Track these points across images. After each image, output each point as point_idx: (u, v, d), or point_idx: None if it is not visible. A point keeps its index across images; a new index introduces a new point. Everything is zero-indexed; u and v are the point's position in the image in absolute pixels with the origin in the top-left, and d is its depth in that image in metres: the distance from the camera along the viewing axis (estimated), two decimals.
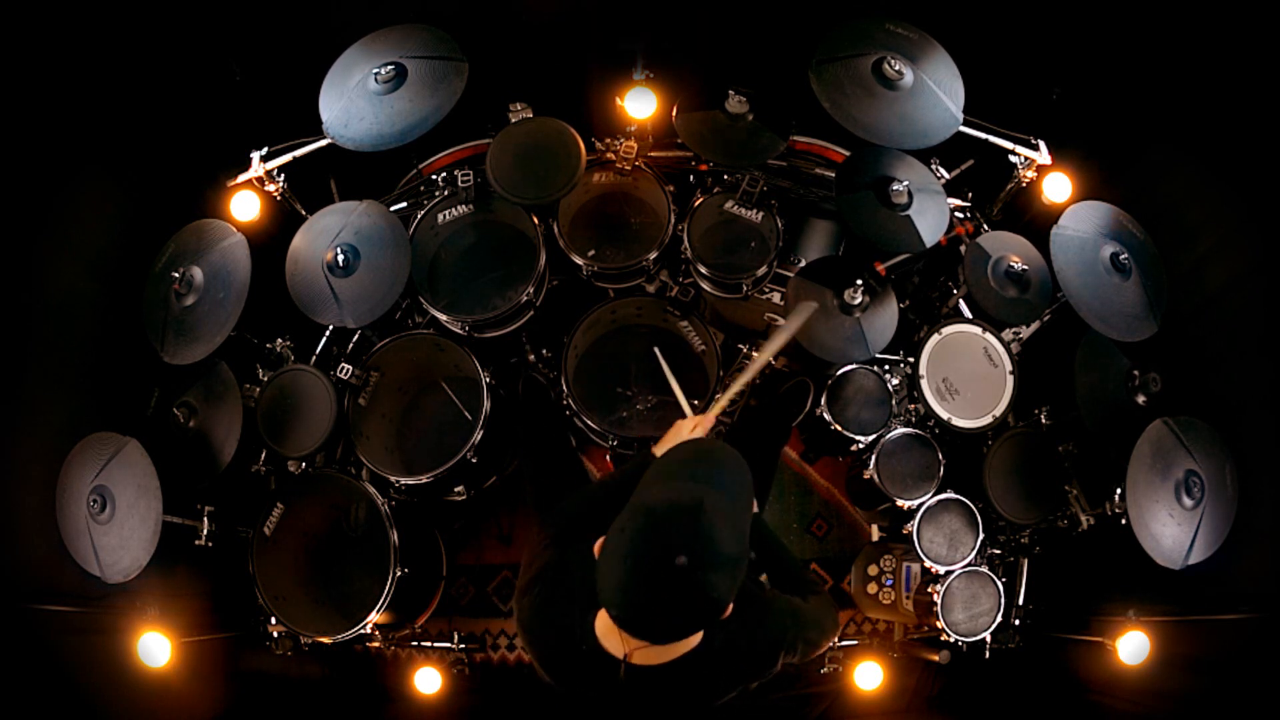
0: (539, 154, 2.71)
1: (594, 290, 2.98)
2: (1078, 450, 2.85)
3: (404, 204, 2.95)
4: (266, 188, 2.72)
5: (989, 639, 2.80)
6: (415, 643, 3.20)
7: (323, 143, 2.62)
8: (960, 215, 2.93)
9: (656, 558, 1.22)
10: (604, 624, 1.49)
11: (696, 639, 1.49)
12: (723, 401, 2.15)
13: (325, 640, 2.67)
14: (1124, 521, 2.48)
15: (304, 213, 2.85)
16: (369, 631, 2.69)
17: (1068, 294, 2.52)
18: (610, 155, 2.91)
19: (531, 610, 1.57)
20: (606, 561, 1.29)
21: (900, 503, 2.85)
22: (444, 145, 3.12)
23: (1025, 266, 2.67)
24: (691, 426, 1.96)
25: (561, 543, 1.64)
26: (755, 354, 2.16)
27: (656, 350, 2.33)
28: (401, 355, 2.89)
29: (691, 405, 2.31)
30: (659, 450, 1.93)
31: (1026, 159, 2.71)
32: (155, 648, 2.44)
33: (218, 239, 2.66)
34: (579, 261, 2.81)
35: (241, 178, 2.69)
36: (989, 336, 2.82)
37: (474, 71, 2.55)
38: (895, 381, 2.91)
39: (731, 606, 1.34)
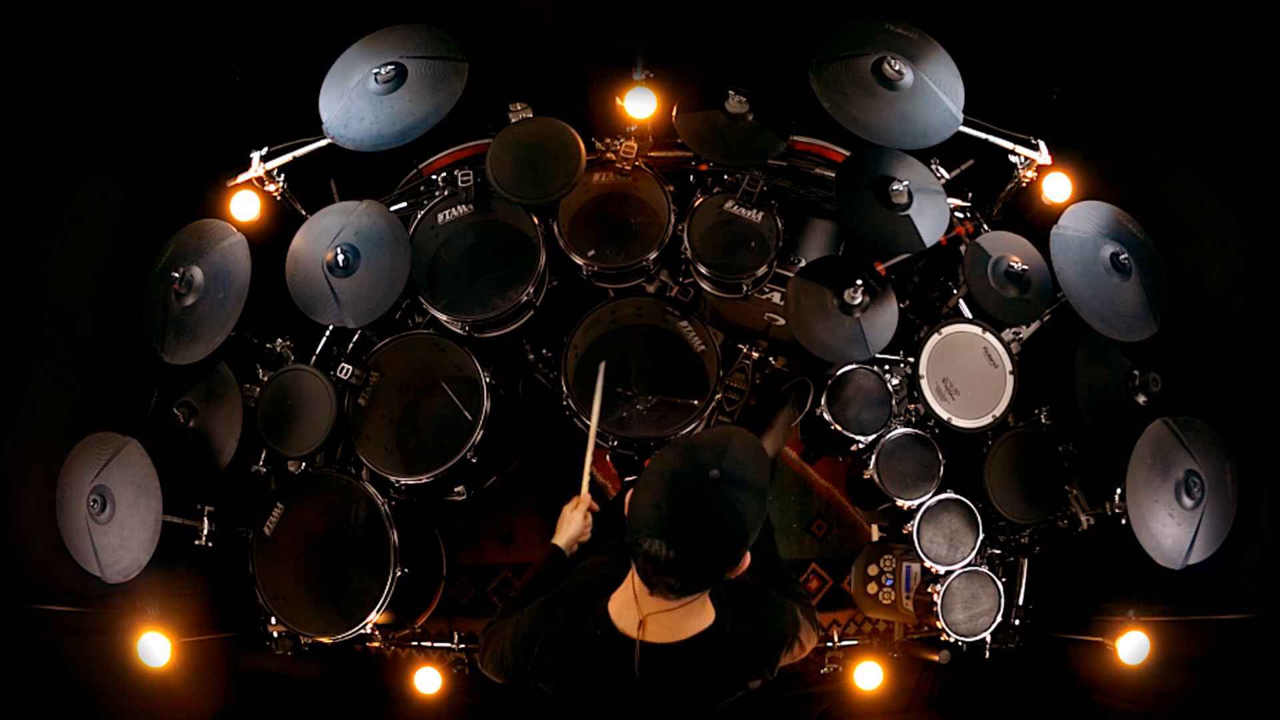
0: (539, 154, 2.71)
1: (594, 290, 2.98)
2: (1078, 450, 2.85)
3: (404, 204, 2.95)
4: (266, 188, 2.72)
5: (989, 639, 2.80)
6: (415, 643, 3.20)
7: (323, 143, 2.62)
8: (960, 215, 2.93)
9: (691, 471, 1.31)
10: (618, 603, 1.51)
11: (708, 619, 1.51)
12: (586, 477, 2.15)
13: (325, 640, 2.67)
14: (1124, 521, 2.48)
15: (304, 213, 2.85)
16: (369, 631, 2.69)
17: (1068, 294, 2.52)
18: (610, 155, 2.91)
19: (533, 619, 1.59)
20: (642, 486, 1.36)
21: (900, 503, 2.85)
22: (444, 145, 3.12)
23: (1025, 266, 2.67)
24: (572, 508, 2.04)
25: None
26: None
27: (601, 368, 2.33)
28: (401, 355, 2.89)
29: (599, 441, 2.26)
30: (559, 540, 1.98)
31: (1026, 159, 2.71)
32: (155, 648, 2.44)
33: (218, 239, 2.66)
34: (579, 261, 2.81)
35: (241, 178, 2.69)
36: (989, 336, 2.82)
37: (474, 71, 2.55)
38: (895, 381, 2.91)
39: (748, 559, 1.42)
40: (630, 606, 1.49)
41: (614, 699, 1.56)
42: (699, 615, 1.50)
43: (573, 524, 2.01)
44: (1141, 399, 2.66)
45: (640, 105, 2.74)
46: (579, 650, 1.55)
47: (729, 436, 1.37)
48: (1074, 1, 2.82)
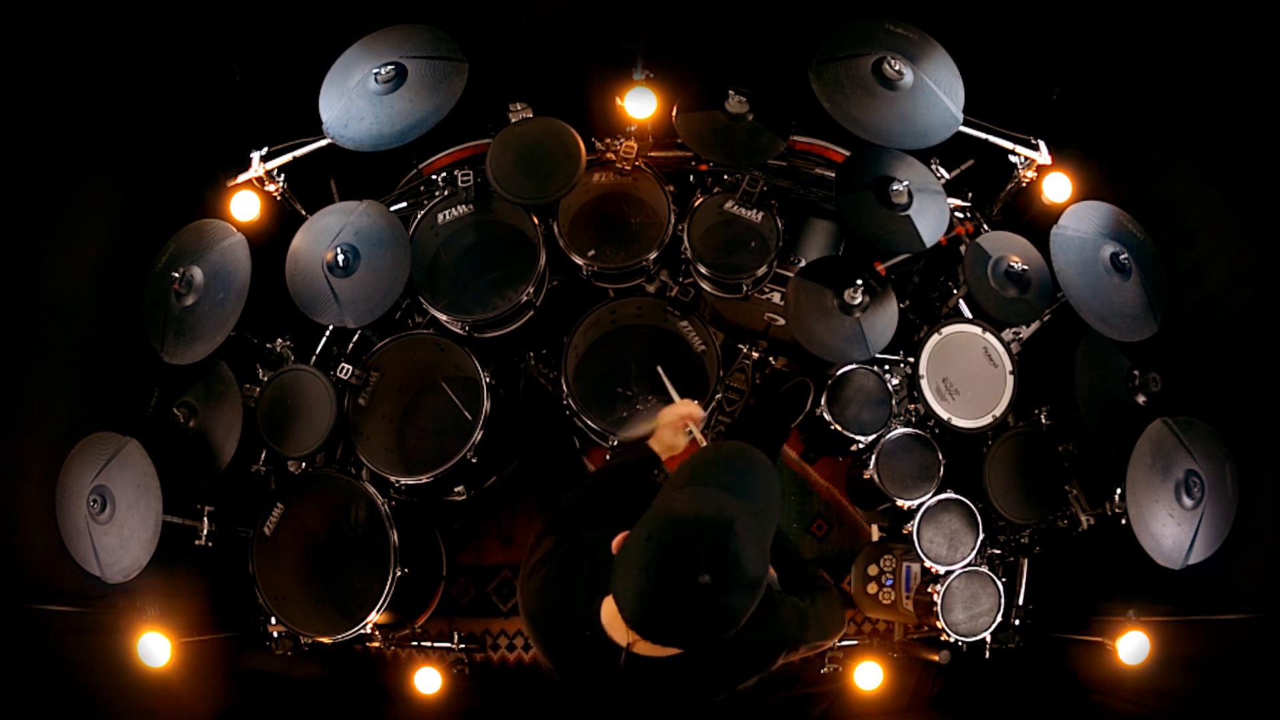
0: (539, 154, 2.71)
1: (594, 290, 2.97)
2: (1078, 450, 2.85)
3: (404, 204, 2.95)
4: (266, 188, 2.72)
5: (989, 639, 2.80)
6: (415, 643, 3.20)
7: (323, 143, 2.62)
8: (960, 215, 2.93)
9: (679, 573, 1.20)
10: (610, 612, 1.48)
11: None
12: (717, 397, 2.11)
13: (325, 640, 2.67)
14: (1124, 521, 2.48)
15: (304, 213, 2.85)
16: (369, 631, 2.69)
17: (1068, 294, 2.52)
18: (610, 155, 2.91)
19: (534, 594, 1.57)
20: (627, 566, 1.27)
21: (900, 503, 2.85)
22: (444, 145, 3.12)
23: (1025, 266, 2.67)
24: (681, 414, 1.90)
25: (561, 533, 1.63)
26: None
27: (660, 370, 2.33)
28: (401, 355, 2.89)
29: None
30: (654, 444, 1.89)
31: (1026, 159, 2.70)
32: (155, 648, 2.44)
33: (218, 239, 2.66)
34: (579, 261, 2.81)
35: (241, 178, 2.69)
36: (989, 336, 2.82)
37: (474, 71, 2.55)
38: (895, 381, 2.91)
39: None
40: (621, 623, 1.43)
41: (599, 696, 1.56)
42: None
43: (674, 427, 1.85)
44: (1141, 399, 2.66)
45: (640, 105, 2.74)
46: (567, 646, 1.54)
47: (730, 521, 1.22)
48: (1074, 1, 2.81)
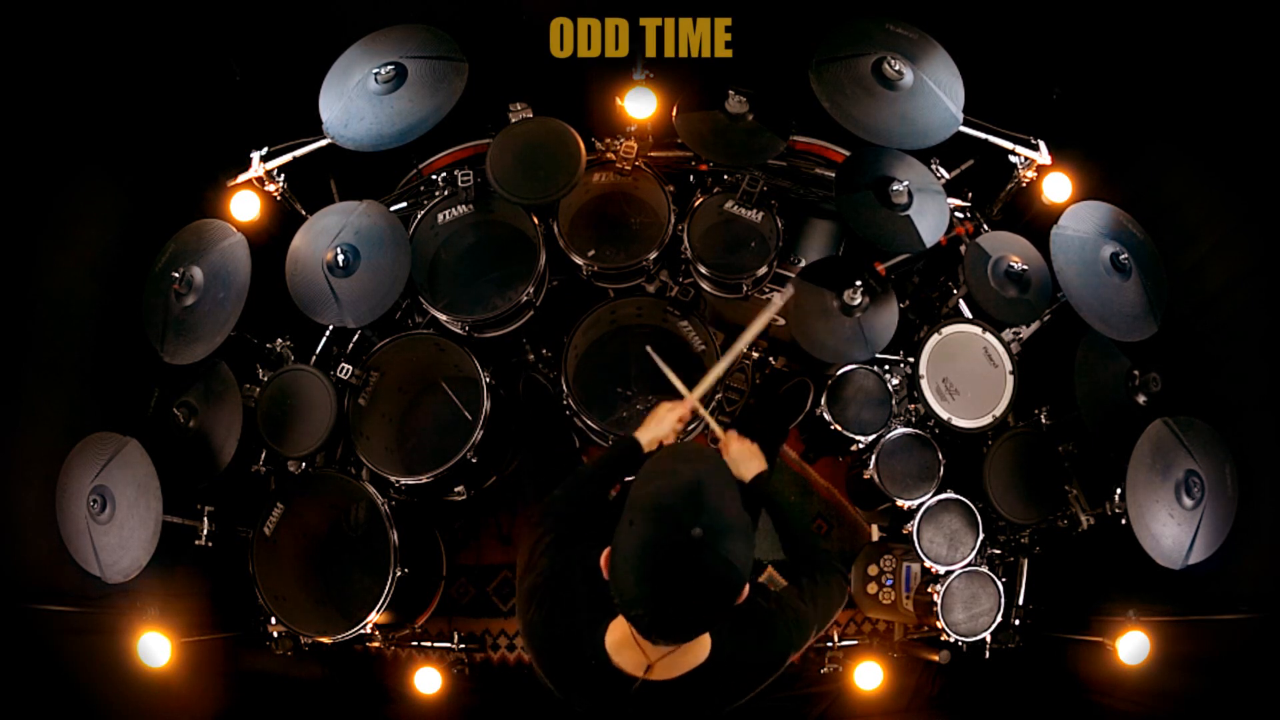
0: (539, 154, 2.71)
1: (594, 290, 2.98)
2: (1078, 450, 2.85)
3: (404, 204, 2.95)
4: (266, 188, 2.72)
5: (989, 639, 2.80)
6: (415, 643, 3.20)
7: (323, 143, 2.62)
8: (960, 215, 2.93)
9: (672, 537, 1.20)
10: (615, 638, 1.45)
11: (706, 651, 1.47)
12: (703, 386, 2.13)
13: (325, 640, 2.67)
14: (1124, 521, 2.48)
15: (304, 213, 2.85)
16: (369, 631, 2.69)
17: (1068, 294, 2.52)
18: (610, 155, 2.91)
19: (536, 625, 1.53)
20: (621, 561, 1.26)
21: (900, 503, 2.85)
22: (444, 145, 3.12)
23: (1025, 266, 2.67)
24: (670, 409, 1.99)
25: (562, 543, 1.61)
26: (739, 340, 2.19)
27: (649, 349, 2.35)
28: (401, 355, 2.89)
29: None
30: (641, 434, 1.94)
31: (1026, 159, 2.70)
32: (155, 648, 2.44)
33: (218, 239, 2.66)
34: (579, 261, 2.81)
35: (241, 178, 2.69)
36: (989, 336, 2.82)
37: (474, 71, 2.55)
38: (895, 381, 2.91)
39: (747, 590, 1.33)
40: (629, 646, 1.43)
41: (605, 715, 1.54)
42: (696, 649, 1.46)
43: (663, 423, 1.92)
44: (1141, 399, 2.66)
45: (640, 105, 2.74)
46: (573, 674, 1.51)
47: (697, 480, 1.25)
48: (1074, 1, 2.82)
